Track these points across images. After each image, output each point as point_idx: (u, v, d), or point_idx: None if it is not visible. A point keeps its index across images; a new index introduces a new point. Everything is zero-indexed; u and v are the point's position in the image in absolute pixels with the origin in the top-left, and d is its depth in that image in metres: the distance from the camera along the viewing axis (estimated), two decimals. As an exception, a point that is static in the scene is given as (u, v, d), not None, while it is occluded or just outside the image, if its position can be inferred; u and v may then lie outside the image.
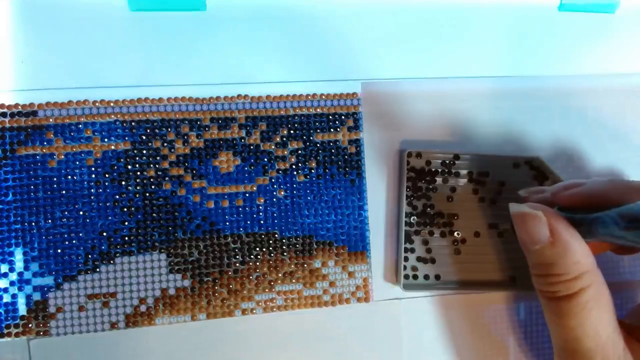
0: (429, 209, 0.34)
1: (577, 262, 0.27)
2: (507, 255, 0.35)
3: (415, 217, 0.34)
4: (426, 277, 0.34)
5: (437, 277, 0.34)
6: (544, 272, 0.28)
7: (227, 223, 0.32)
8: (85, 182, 0.31)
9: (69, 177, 0.31)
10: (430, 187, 0.34)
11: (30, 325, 0.30)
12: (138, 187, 0.31)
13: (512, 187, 0.35)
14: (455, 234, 0.34)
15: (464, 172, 0.34)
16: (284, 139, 0.33)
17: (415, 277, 0.34)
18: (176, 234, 0.32)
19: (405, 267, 0.34)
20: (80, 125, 0.31)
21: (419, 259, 0.34)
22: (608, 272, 0.37)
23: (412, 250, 0.34)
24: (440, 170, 0.34)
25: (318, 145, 0.33)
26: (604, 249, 0.32)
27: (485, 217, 0.35)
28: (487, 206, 0.35)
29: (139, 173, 0.31)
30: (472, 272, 0.34)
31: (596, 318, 0.27)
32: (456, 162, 0.34)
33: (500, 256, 0.35)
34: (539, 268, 0.28)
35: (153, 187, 0.32)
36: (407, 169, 0.34)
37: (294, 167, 0.33)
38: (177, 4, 0.32)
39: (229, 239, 0.32)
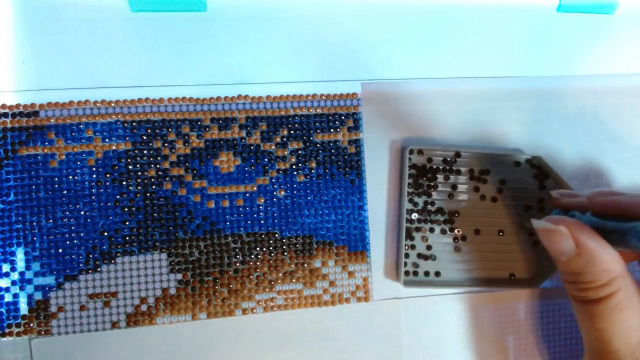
0: (429, 206, 0.34)
1: (604, 269, 0.28)
2: (507, 252, 0.35)
3: (416, 214, 0.34)
4: (426, 273, 0.34)
5: (437, 274, 0.34)
6: (572, 279, 0.29)
7: (228, 223, 0.32)
8: (87, 182, 0.31)
9: (70, 177, 0.31)
10: (432, 184, 0.34)
11: (31, 325, 0.30)
12: (139, 187, 0.32)
13: (513, 185, 0.35)
14: (456, 231, 0.34)
15: (465, 169, 0.35)
16: (284, 139, 0.33)
17: (415, 273, 0.34)
18: (177, 234, 0.32)
19: (405, 264, 0.34)
20: (82, 126, 0.31)
21: (419, 255, 0.34)
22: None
23: (413, 247, 0.34)
24: (441, 167, 0.34)
25: (318, 145, 0.34)
26: (633, 258, 0.32)
27: (485, 215, 0.35)
28: (487, 204, 0.35)
29: (139, 173, 0.32)
30: (472, 269, 0.35)
31: (626, 321, 0.28)
32: (457, 159, 0.34)
33: (501, 254, 0.35)
34: (567, 275, 0.29)
35: (154, 187, 0.32)
36: (408, 166, 0.34)
37: (294, 167, 0.33)
38: (177, 5, 0.32)
39: (230, 238, 0.32)
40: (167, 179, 0.32)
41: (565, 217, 0.29)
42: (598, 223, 0.28)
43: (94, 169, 0.31)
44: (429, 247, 0.34)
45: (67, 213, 0.31)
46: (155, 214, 0.32)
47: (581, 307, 0.29)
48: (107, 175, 0.31)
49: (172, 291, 0.32)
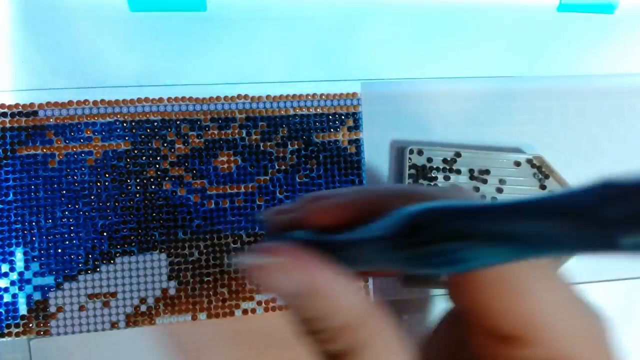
0: None
1: (338, 309, 0.19)
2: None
3: None
4: (427, 274, 0.34)
5: (437, 274, 0.34)
6: (310, 328, 0.20)
7: (228, 223, 0.32)
8: (86, 182, 0.31)
9: (70, 177, 0.31)
10: (432, 184, 0.34)
11: (30, 325, 0.30)
12: (138, 187, 0.31)
13: (513, 185, 0.35)
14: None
15: (465, 169, 0.35)
16: (284, 139, 0.33)
17: (415, 274, 0.34)
18: (177, 234, 0.32)
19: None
20: (81, 125, 0.31)
21: None
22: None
23: None
24: (441, 167, 0.34)
25: (318, 145, 0.34)
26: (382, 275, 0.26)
27: None
28: None
29: (139, 173, 0.32)
30: (472, 270, 0.34)
31: None
32: (457, 159, 0.34)
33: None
34: (304, 324, 0.20)
35: (153, 187, 0.32)
36: (408, 166, 0.34)
37: (294, 167, 0.33)
38: (177, 5, 0.32)
39: (230, 239, 0.32)
40: (167, 179, 0.32)
41: (281, 242, 0.21)
42: (325, 241, 0.20)
43: (94, 169, 0.31)
44: (429, 247, 0.34)
45: (67, 213, 0.31)
46: (154, 214, 0.32)
47: None
48: (107, 175, 0.31)
49: (172, 291, 0.31)
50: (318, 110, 0.34)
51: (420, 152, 0.34)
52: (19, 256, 0.30)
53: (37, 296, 0.30)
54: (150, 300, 0.31)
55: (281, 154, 0.33)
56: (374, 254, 0.18)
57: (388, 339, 0.19)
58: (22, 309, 0.30)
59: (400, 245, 0.16)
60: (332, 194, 0.21)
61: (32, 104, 0.31)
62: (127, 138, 0.31)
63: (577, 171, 0.37)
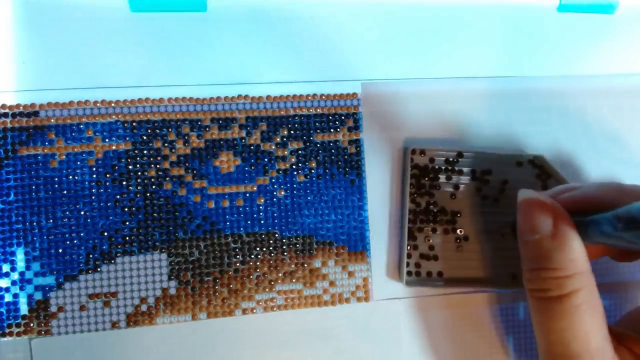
0: (432, 206, 0.34)
1: (573, 259, 0.26)
2: (508, 252, 0.35)
3: (419, 214, 0.34)
4: (429, 274, 0.34)
5: (440, 273, 0.34)
6: (537, 265, 0.27)
7: (228, 223, 0.32)
8: (87, 182, 0.31)
9: (70, 177, 0.31)
10: (434, 184, 0.34)
11: (31, 325, 0.30)
12: (139, 187, 0.32)
13: (515, 185, 0.35)
14: (458, 231, 0.34)
15: (467, 169, 0.35)
16: (284, 139, 0.33)
17: (418, 273, 0.34)
18: (177, 234, 0.32)
19: (408, 264, 0.34)
20: (82, 126, 0.31)
21: (421, 255, 0.34)
22: (605, 273, 0.37)
23: (415, 247, 0.34)
24: (443, 167, 0.34)
25: (318, 145, 0.34)
26: (600, 253, 0.32)
27: (487, 215, 0.35)
28: (489, 204, 0.35)
29: (139, 173, 0.32)
30: (474, 269, 0.34)
31: (588, 323, 0.26)
32: (459, 160, 0.34)
33: (502, 254, 0.35)
34: (533, 261, 0.28)
35: (154, 187, 0.32)
36: (410, 166, 0.34)
37: (294, 167, 0.33)
38: (177, 5, 0.32)
39: (230, 238, 0.32)
40: (167, 179, 0.32)
41: (549, 197, 0.29)
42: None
43: (94, 169, 0.31)
44: (431, 247, 0.34)
45: (67, 213, 0.31)
46: (155, 214, 0.32)
47: (541, 305, 0.27)
48: (107, 175, 0.31)
49: (172, 291, 0.32)
50: (318, 110, 0.34)
51: (422, 153, 0.34)
52: (20, 256, 0.30)
53: (38, 296, 0.30)
54: (151, 300, 0.31)
55: (281, 154, 0.33)
56: (598, 232, 0.26)
57: (596, 303, 0.27)
58: (23, 309, 0.30)
59: (633, 227, 0.23)
60: (574, 187, 0.30)
61: (33, 105, 0.31)
62: (127, 138, 0.32)
63: (576, 172, 0.37)
